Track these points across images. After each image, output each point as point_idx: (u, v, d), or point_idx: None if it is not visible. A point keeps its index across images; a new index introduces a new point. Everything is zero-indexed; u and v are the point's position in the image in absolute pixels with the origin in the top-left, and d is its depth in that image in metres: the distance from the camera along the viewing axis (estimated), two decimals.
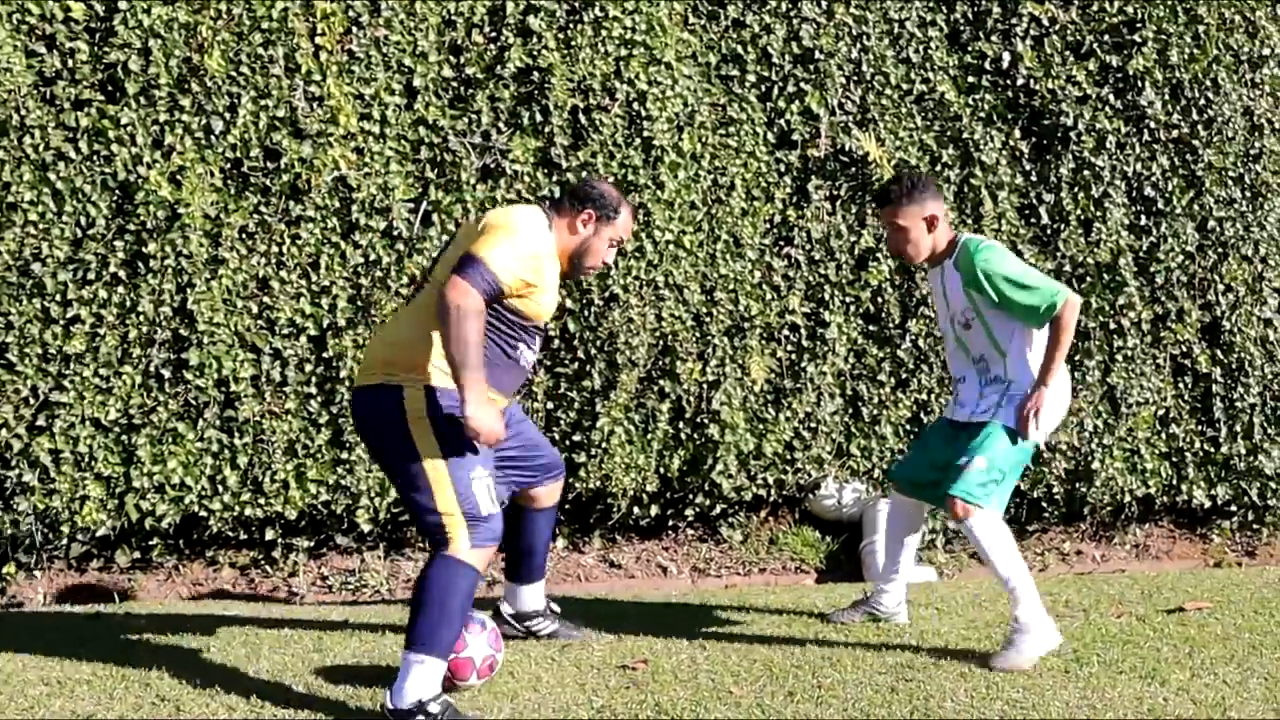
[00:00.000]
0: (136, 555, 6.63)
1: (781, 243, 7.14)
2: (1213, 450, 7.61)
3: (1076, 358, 7.40)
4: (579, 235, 4.80)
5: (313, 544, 6.80)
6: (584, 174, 6.66)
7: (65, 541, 6.49)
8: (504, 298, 4.51)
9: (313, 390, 6.48)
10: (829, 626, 5.54)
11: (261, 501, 6.46)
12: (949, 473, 5.11)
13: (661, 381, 6.94)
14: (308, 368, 6.46)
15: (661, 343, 6.93)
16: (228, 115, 6.30)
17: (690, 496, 7.14)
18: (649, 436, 6.94)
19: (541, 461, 5.15)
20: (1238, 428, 7.61)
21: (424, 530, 4.53)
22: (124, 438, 6.29)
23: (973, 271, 5.06)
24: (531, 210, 4.70)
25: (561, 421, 6.86)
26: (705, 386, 6.99)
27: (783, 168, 7.11)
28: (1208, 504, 7.66)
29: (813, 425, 7.15)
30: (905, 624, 5.56)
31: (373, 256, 6.49)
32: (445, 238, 4.79)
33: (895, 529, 5.59)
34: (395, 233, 6.51)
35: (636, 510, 7.09)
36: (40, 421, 6.20)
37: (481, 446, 4.48)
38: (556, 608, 5.46)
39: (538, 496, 5.19)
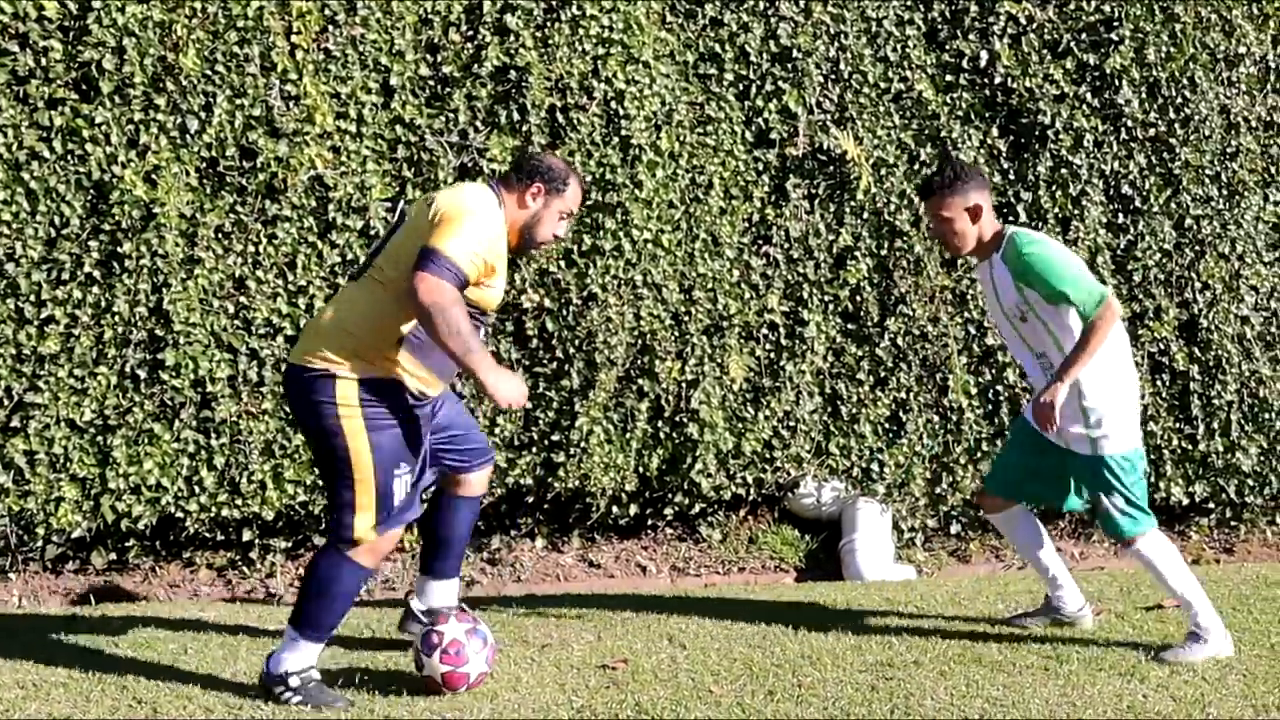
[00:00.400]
0: (113, 557, 6.59)
1: (760, 241, 7.13)
2: (1190, 448, 7.63)
3: None
4: (528, 209, 4.73)
5: (290, 545, 6.76)
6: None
7: (40, 544, 6.45)
8: (467, 287, 4.46)
9: None
10: (809, 625, 5.53)
11: (239, 502, 6.43)
12: (1079, 497, 5.23)
13: (640, 381, 6.93)
14: (284, 367, 6.41)
15: (640, 342, 6.92)
16: (203, 114, 6.27)
17: (669, 496, 7.13)
18: (628, 436, 6.93)
19: (472, 446, 5.07)
20: (1215, 425, 7.63)
21: (332, 516, 4.59)
22: (99, 439, 6.25)
23: (1020, 266, 5.02)
24: (481, 190, 4.67)
25: (540, 421, 6.84)
26: (684, 385, 6.98)
27: (761, 166, 7.11)
28: (1186, 501, 7.68)
29: (791, 424, 7.15)
30: (1090, 628, 5.55)
31: (350, 256, 6.46)
32: (398, 213, 4.73)
33: (1028, 542, 5.51)
34: (372, 232, 6.48)
35: (615, 510, 7.08)
36: (14, 423, 6.15)
37: (405, 449, 4.55)
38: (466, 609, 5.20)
39: (466, 482, 5.09)
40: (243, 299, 6.38)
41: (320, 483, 6.48)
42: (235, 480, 6.42)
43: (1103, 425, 5.04)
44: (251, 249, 6.37)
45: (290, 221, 6.41)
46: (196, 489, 6.38)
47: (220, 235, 6.34)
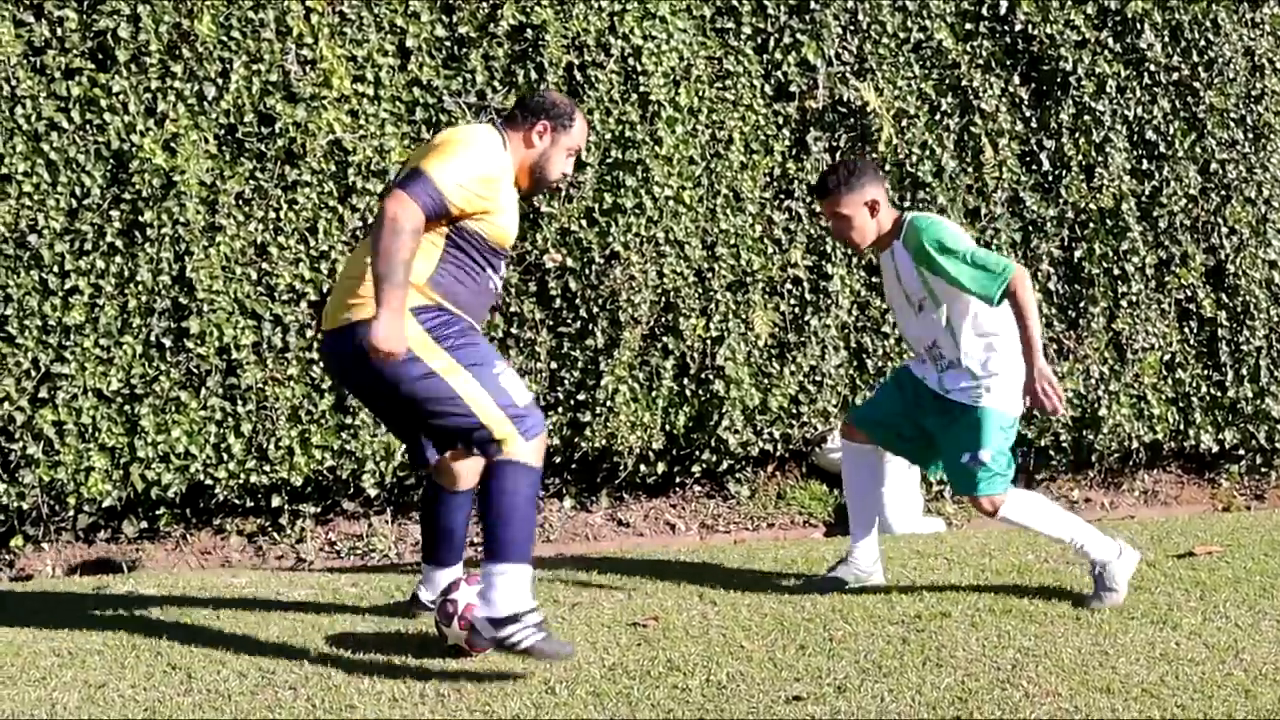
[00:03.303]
0: (144, 525, 6.61)
1: (782, 196, 7.09)
2: (1219, 394, 7.58)
3: (1081, 304, 7.36)
4: (536, 148, 4.60)
5: (319, 510, 6.78)
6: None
7: (72, 513, 6.47)
8: (451, 218, 4.33)
9: (314, 356, 6.45)
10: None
11: (267, 469, 6.44)
12: (949, 463, 5.12)
13: (665, 338, 6.91)
14: (309, 333, 6.43)
15: (664, 299, 6.89)
16: (220, 81, 6.25)
17: (697, 453, 7.12)
18: (654, 394, 6.91)
19: None
20: (1244, 371, 7.58)
21: (472, 444, 4.39)
22: (127, 408, 6.27)
23: (921, 248, 4.93)
24: (485, 129, 4.54)
25: (565, 381, 6.83)
26: (709, 342, 6.96)
27: (781, 120, 7.06)
28: (1215, 448, 7.65)
29: (818, 379, 7.12)
30: (881, 583, 5.46)
31: (370, 220, 6.43)
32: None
33: (861, 485, 5.43)
34: None
35: (643, 468, 7.07)
36: (43, 394, 6.17)
37: (490, 350, 4.42)
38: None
39: (459, 474, 4.90)
40: (265, 265, 6.37)
41: (349, 448, 6.49)
42: (263, 447, 6.43)
43: (991, 383, 5.00)
44: (272, 215, 6.36)
45: (310, 187, 6.39)
46: (225, 456, 6.39)
47: (241, 202, 6.34)
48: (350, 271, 4.52)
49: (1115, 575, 5.05)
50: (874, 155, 7.09)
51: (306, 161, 6.37)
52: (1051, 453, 7.57)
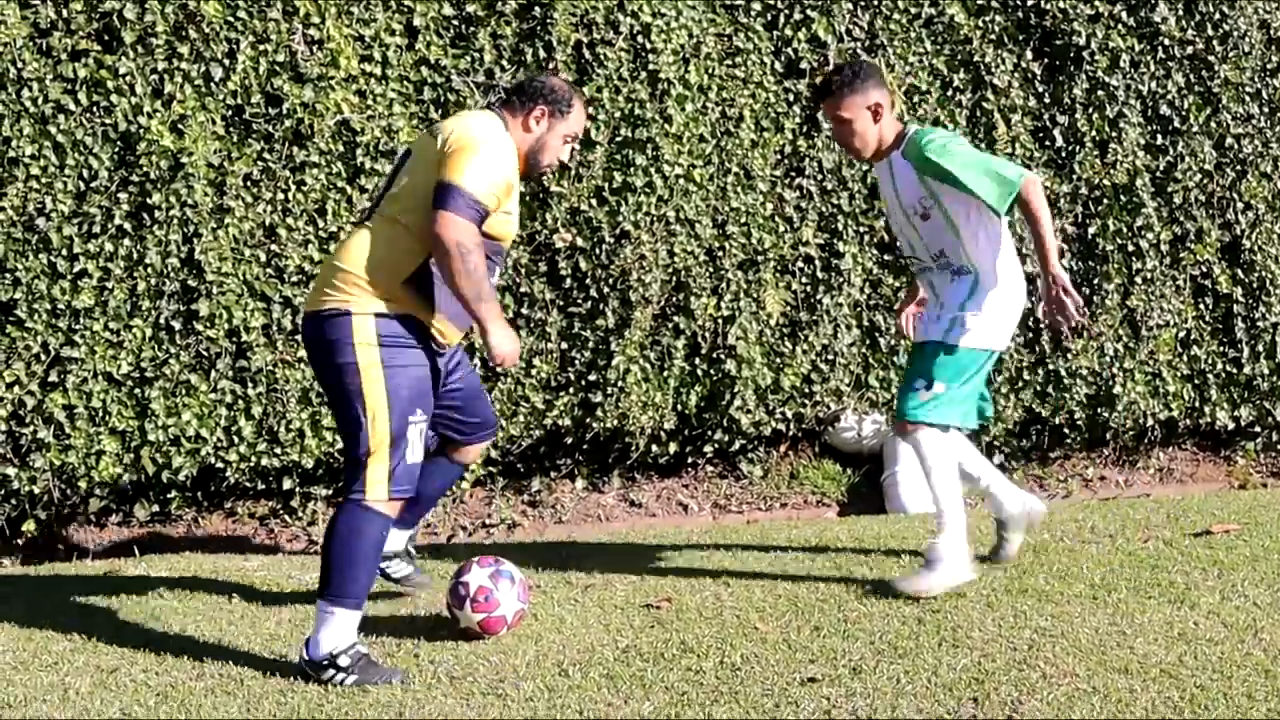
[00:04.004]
0: (155, 509, 6.61)
1: (793, 173, 7.05)
2: (1235, 371, 7.54)
3: (1095, 281, 7.32)
4: (533, 133, 4.54)
5: (331, 492, 6.76)
6: (590, 110, 6.56)
7: (83, 497, 6.46)
8: (486, 221, 4.33)
9: None
10: (852, 559, 5.49)
11: (278, 451, 6.43)
12: (904, 384, 5.02)
13: (676, 318, 6.88)
14: (301, 319, 6.39)
15: (675, 279, 6.86)
16: (227, 62, 6.21)
17: (709, 433, 7.09)
18: (665, 374, 6.88)
19: (477, 419, 4.87)
20: (1260, 348, 7.53)
21: (347, 470, 4.39)
22: (137, 391, 6.25)
23: (924, 157, 4.82)
24: (488, 118, 4.50)
25: (576, 361, 6.80)
26: (720, 321, 6.93)
27: (791, 97, 7.01)
28: (1231, 425, 7.61)
29: (830, 357, 7.08)
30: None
31: (368, 204, 6.40)
32: (400, 152, 4.72)
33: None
34: None
35: (655, 448, 7.05)
36: (52, 378, 6.15)
37: (421, 395, 4.38)
38: (414, 550, 5.14)
39: (462, 452, 4.94)
40: (274, 247, 6.35)
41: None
42: (274, 429, 6.41)
43: (971, 320, 4.90)
44: (281, 196, 6.33)
45: (319, 167, 6.36)
46: (235, 439, 6.37)
47: (249, 183, 6.31)
48: (339, 259, 4.43)
49: (940, 571, 4.91)
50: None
51: (314, 142, 6.33)
52: (1066, 430, 7.53)
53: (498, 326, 4.27)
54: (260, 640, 4.66)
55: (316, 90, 6.31)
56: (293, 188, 6.34)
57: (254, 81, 6.25)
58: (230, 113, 6.28)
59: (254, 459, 6.41)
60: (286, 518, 6.74)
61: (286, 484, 6.64)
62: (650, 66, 6.73)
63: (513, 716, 4.03)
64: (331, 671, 4.26)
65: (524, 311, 6.71)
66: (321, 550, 4.38)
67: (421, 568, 5.15)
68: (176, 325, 6.26)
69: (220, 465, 6.41)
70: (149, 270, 6.19)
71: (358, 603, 4.32)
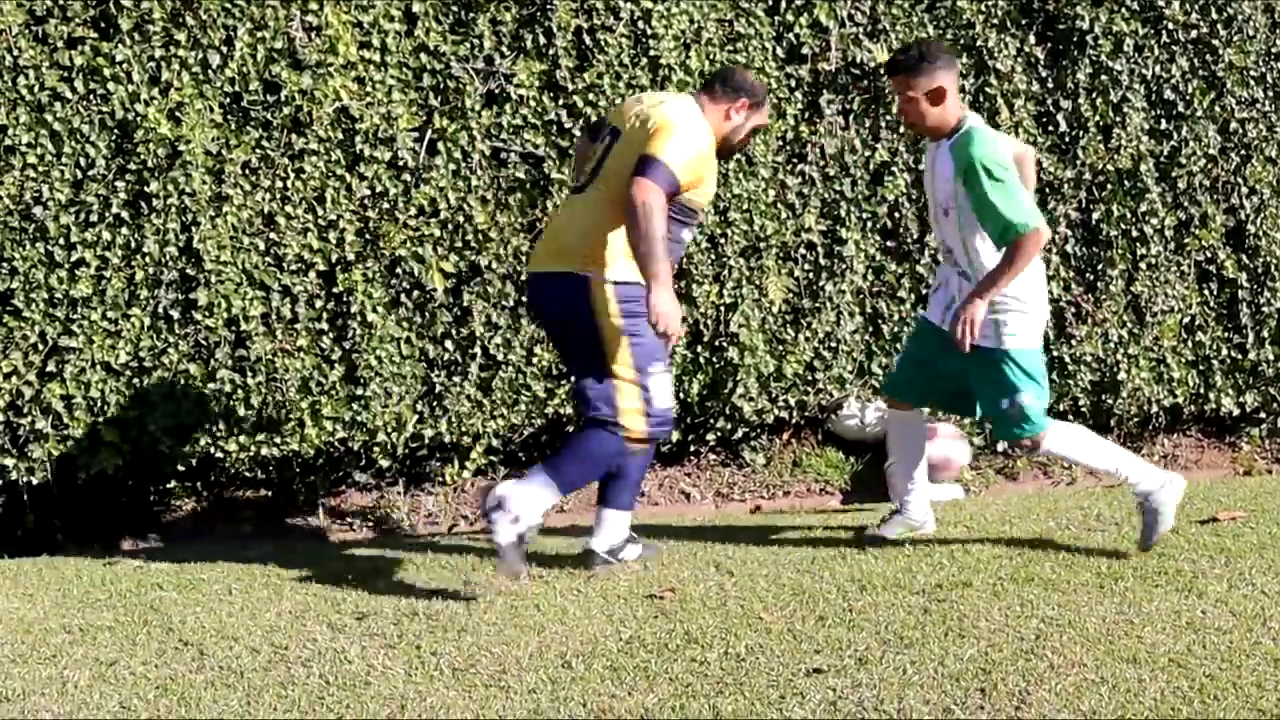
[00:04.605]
0: (154, 499, 6.57)
1: (795, 160, 7.01)
2: (1240, 357, 7.50)
3: (1099, 267, 7.28)
4: (732, 122, 5.22)
5: (331, 482, 6.74)
6: (590, 97, 6.54)
7: (82, 488, 6.42)
8: (680, 193, 4.95)
9: (324, 326, 6.39)
10: (858, 548, 5.46)
11: (277, 440, 6.39)
12: (987, 409, 5.15)
13: None
14: (318, 304, 6.37)
15: (676, 266, 6.80)
16: (224, 49, 6.16)
17: (711, 421, 7.05)
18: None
19: None
20: (1265, 333, 7.49)
21: (596, 419, 5.05)
22: (135, 381, 6.21)
23: (969, 161, 4.91)
24: (690, 104, 5.15)
25: None
26: (722, 309, 6.89)
27: (793, 83, 6.96)
28: (1236, 411, 7.57)
29: (833, 345, 7.04)
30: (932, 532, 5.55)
31: (379, 188, 6.38)
32: (606, 134, 5.25)
33: (905, 451, 5.59)
34: (401, 163, 6.40)
35: None
36: (50, 367, 6.11)
37: (658, 344, 5.00)
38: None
39: None
40: (273, 235, 6.30)
41: (360, 419, 6.44)
42: (273, 419, 6.38)
43: (1009, 319, 5.02)
44: (279, 184, 6.28)
45: (317, 155, 6.31)
46: (235, 429, 6.34)
47: (247, 171, 6.26)
48: (563, 227, 5.18)
49: (1163, 504, 5.05)
50: (887, 119, 7.00)
51: (313, 130, 6.28)
52: (1070, 417, 7.48)
53: (664, 288, 4.80)
54: (261, 632, 4.64)
55: (315, 77, 6.26)
56: (291, 175, 6.29)
57: (252, 69, 6.20)
58: (228, 100, 6.23)
59: (254, 449, 6.37)
60: (286, 508, 6.70)
61: (286, 474, 6.59)
62: (651, 52, 6.68)
63: (515, 709, 4.02)
64: (499, 514, 4.88)
65: (524, 300, 6.65)
66: (563, 442, 5.35)
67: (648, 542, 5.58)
68: (175, 314, 6.22)
69: (220, 455, 6.37)
70: (147, 259, 6.15)
71: (560, 489, 5.02)
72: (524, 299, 6.62)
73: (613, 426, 5.02)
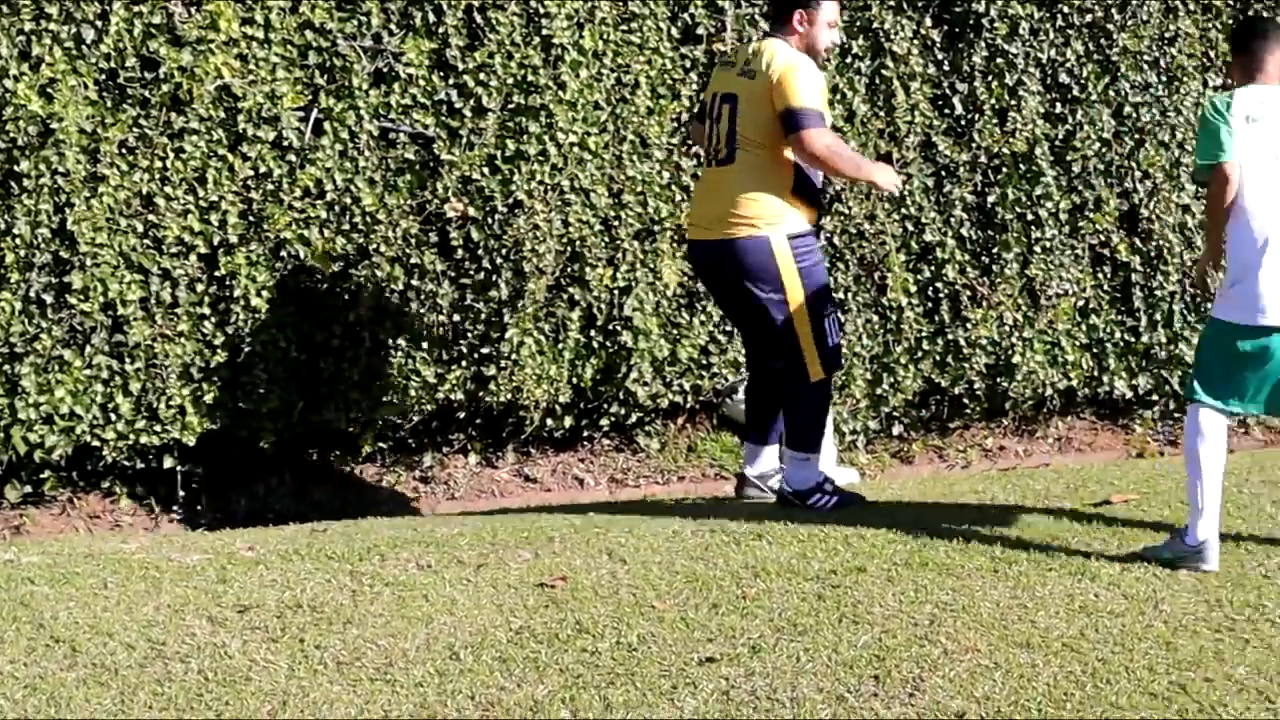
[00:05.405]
0: (28, 490, 6.38)
1: (690, 142, 6.94)
2: (1133, 340, 7.56)
3: (994, 250, 7.30)
4: (801, 34, 5.47)
5: (214, 470, 6.59)
6: (481, 76, 6.46)
7: None
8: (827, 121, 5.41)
9: (206, 311, 6.26)
10: (752, 534, 5.40)
11: (157, 429, 6.25)
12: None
13: (571, 289, 6.76)
14: (199, 288, 6.23)
15: (569, 249, 6.74)
16: (99, 23, 6.00)
17: (605, 406, 6.99)
18: (560, 346, 6.77)
19: None
20: (1158, 316, 7.56)
21: (785, 360, 5.54)
22: (6, 368, 6.04)
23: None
24: (778, 43, 5.44)
25: (469, 334, 6.66)
26: (616, 293, 6.82)
27: (688, 64, 6.92)
28: (1129, 394, 7.63)
29: (728, 328, 7.00)
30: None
31: (263, 169, 6.25)
32: (719, 103, 5.53)
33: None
34: (285, 143, 6.28)
35: (550, 422, 6.93)
36: None
37: (829, 292, 5.63)
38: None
39: None
40: (151, 217, 6.15)
41: (244, 406, 6.30)
42: (153, 406, 6.23)
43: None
44: (158, 164, 6.14)
45: (198, 134, 6.17)
46: (112, 416, 6.18)
47: (124, 151, 6.10)
48: (725, 196, 5.48)
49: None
50: None
51: (193, 108, 6.14)
52: (965, 400, 7.52)
53: (877, 171, 5.52)
54: (138, 627, 4.49)
55: (195, 54, 6.11)
56: (171, 155, 6.15)
57: (129, 44, 6.04)
58: (103, 77, 6.07)
59: (132, 437, 6.22)
60: (168, 497, 6.55)
61: (168, 462, 6.44)
62: (544, 32, 6.60)
63: (401, 703, 3.93)
64: (818, 495, 5.61)
65: (414, 283, 6.56)
66: (787, 415, 5.67)
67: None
68: (48, 298, 6.06)
69: (96, 444, 6.21)
70: (18, 241, 5.97)
71: (820, 446, 5.65)
72: (414, 282, 6.53)
73: (801, 373, 5.54)
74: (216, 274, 6.24)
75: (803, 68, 5.35)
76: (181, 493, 6.55)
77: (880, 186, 5.55)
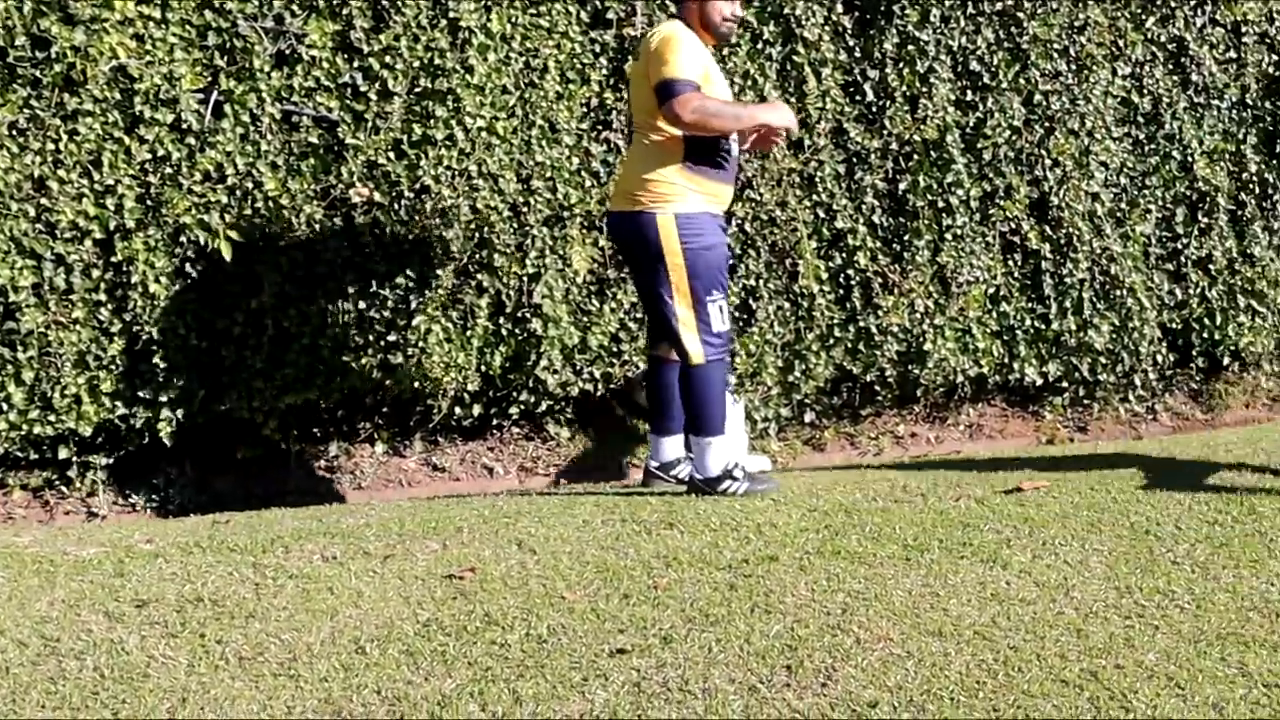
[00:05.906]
0: None
1: (600, 127, 6.89)
2: (1043, 327, 7.59)
3: (905, 237, 7.30)
4: (693, 6, 5.50)
5: (112, 461, 6.43)
6: (387, 59, 6.35)
7: None
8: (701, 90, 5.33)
9: (102, 298, 6.10)
10: (663, 524, 5.35)
11: (51, 418, 6.08)
12: None
13: (479, 276, 6.67)
14: (95, 274, 6.07)
15: (477, 235, 6.64)
16: None
17: (514, 394, 6.91)
18: (468, 334, 6.67)
19: None
20: (1067, 304, 7.60)
21: (670, 342, 5.60)
22: None
23: None
24: (669, 22, 5.50)
25: (375, 322, 6.55)
26: (525, 279, 6.74)
27: (598, 48, 6.84)
28: (1039, 381, 7.67)
29: (639, 315, 6.94)
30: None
31: (161, 152, 6.09)
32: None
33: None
34: (184, 126, 6.13)
35: (458, 410, 6.84)
36: None
37: (717, 278, 5.50)
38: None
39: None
40: (44, 201, 5.98)
41: (142, 394, 6.16)
42: (47, 395, 6.07)
43: None
44: (51, 147, 5.97)
45: (93, 116, 6.01)
46: (4, 406, 6.02)
47: (15, 133, 5.93)
48: (626, 171, 5.57)
49: None
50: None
51: (88, 89, 5.98)
52: (877, 388, 7.51)
53: (763, 112, 5.54)
54: (30, 623, 4.36)
55: (89, 33, 5.94)
56: (64, 137, 5.98)
57: (18, 22, 5.87)
58: None
59: (25, 427, 6.07)
60: (63, 489, 6.40)
61: (62, 453, 6.28)
62: (451, 14, 6.51)
63: (305, 698, 3.83)
64: (729, 482, 5.61)
65: (318, 270, 6.43)
66: (683, 402, 5.65)
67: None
68: None
69: None
70: None
71: (723, 429, 5.60)
72: (319, 269, 6.42)
73: (685, 359, 5.56)
74: (113, 260, 6.09)
75: (676, 39, 5.34)
76: (78, 485, 6.40)
77: (775, 127, 5.48)
